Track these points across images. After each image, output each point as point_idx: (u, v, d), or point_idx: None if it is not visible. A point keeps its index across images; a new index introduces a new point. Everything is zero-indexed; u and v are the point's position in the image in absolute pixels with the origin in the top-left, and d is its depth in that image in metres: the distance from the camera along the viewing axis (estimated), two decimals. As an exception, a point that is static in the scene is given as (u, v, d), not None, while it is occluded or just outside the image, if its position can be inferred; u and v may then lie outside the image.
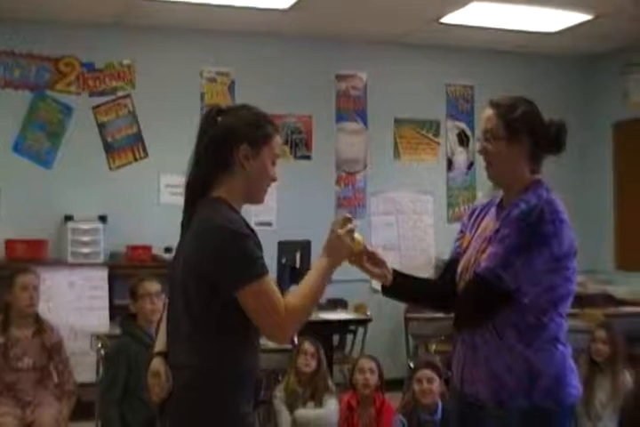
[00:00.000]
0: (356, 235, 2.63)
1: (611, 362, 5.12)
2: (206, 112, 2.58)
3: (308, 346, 5.15)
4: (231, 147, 2.49)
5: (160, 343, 2.62)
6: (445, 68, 8.48)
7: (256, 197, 2.60)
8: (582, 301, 7.30)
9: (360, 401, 5.02)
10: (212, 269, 2.37)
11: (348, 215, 2.58)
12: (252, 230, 2.46)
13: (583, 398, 5.01)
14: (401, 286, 2.84)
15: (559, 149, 2.73)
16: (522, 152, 2.68)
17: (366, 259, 2.76)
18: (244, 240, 2.39)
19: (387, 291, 2.85)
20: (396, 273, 2.83)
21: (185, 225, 2.55)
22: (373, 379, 5.01)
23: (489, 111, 2.72)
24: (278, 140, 2.59)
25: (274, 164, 2.58)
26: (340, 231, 2.52)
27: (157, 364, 2.56)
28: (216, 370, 2.41)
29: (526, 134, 2.67)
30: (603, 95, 8.74)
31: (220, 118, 2.54)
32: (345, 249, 2.54)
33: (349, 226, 2.54)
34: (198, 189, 2.52)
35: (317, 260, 2.52)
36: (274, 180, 2.60)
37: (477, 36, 7.88)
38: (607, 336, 5.16)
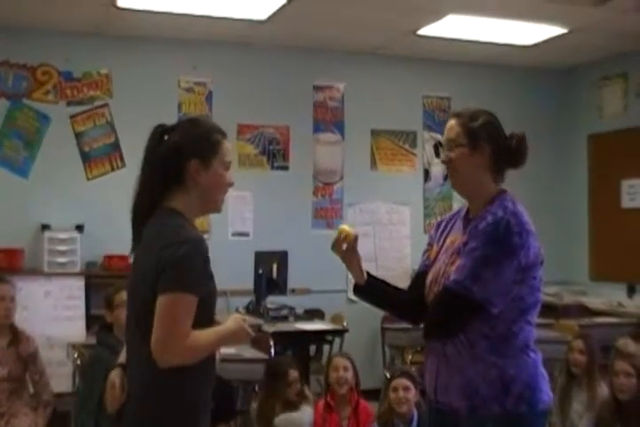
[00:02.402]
0: (345, 226, 2.80)
1: (587, 373, 5.15)
2: (152, 131, 2.60)
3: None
4: (180, 164, 2.51)
5: (123, 355, 2.64)
6: (422, 79, 8.53)
7: (213, 207, 2.62)
8: (557, 311, 7.37)
9: (337, 401, 5.03)
10: (155, 275, 2.37)
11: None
12: (206, 246, 2.47)
13: (559, 407, 5.05)
14: (374, 288, 2.91)
15: (520, 161, 2.77)
16: (483, 160, 2.74)
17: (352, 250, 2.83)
18: (193, 256, 2.39)
19: (359, 290, 2.90)
20: (369, 275, 2.91)
21: (135, 240, 2.56)
22: (348, 376, 5.03)
23: (452, 121, 2.80)
24: (227, 146, 2.59)
25: (227, 170, 2.59)
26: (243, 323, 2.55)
27: (114, 376, 2.59)
28: (166, 382, 2.40)
29: (487, 143, 2.73)
30: (577, 108, 8.82)
31: (166, 137, 2.56)
32: (242, 338, 2.57)
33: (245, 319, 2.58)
34: (147, 206, 2.53)
35: (225, 325, 2.52)
36: (230, 185, 2.61)
37: (454, 49, 7.94)
38: (584, 347, 5.19)
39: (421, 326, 2.82)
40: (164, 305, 2.34)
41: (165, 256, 2.36)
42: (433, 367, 2.78)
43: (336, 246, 2.81)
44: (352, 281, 2.92)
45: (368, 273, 2.90)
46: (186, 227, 2.46)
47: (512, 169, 2.79)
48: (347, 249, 2.82)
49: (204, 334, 2.41)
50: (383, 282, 2.95)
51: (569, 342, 5.36)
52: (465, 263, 2.62)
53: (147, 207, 2.53)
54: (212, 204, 2.60)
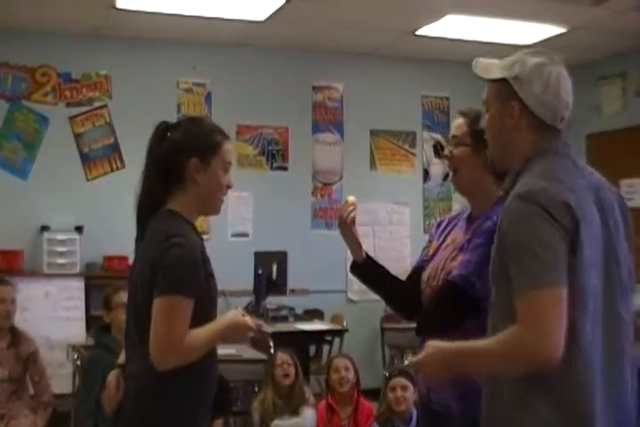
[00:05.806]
0: (350, 197, 2.90)
1: None
2: (155, 128, 2.60)
3: (282, 356, 5.15)
4: (180, 162, 2.51)
5: (123, 355, 2.65)
6: (421, 79, 8.54)
7: (212, 209, 2.63)
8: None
9: (338, 401, 5.04)
10: (153, 275, 2.37)
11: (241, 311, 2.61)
12: (203, 248, 2.48)
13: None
14: (371, 267, 2.93)
15: None
16: (485, 161, 2.73)
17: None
18: (190, 257, 2.39)
19: (357, 268, 2.93)
20: (368, 256, 2.93)
21: (138, 239, 2.57)
22: (349, 376, 5.04)
23: (459, 120, 2.84)
24: (228, 147, 2.60)
25: (226, 171, 2.59)
26: (243, 319, 2.55)
27: (111, 376, 2.60)
28: (163, 380, 2.40)
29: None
30: (576, 107, 8.65)
31: (168, 134, 2.57)
32: (242, 332, 2.58)
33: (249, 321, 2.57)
34: (150, 204, 2.54)
35: (219, 321, 2.51)
36: (229, 187, 2.61)
37: (452, 49, 7.94)
38: None
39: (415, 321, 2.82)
40: (158, 309, 2.34)
41: (161, 259, 2.37)
42: None
43: (343, 217, 2.88)
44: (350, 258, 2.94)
45: (367, 254, 2.92)
46: (183, 229, 2.46)
47: None
48: (350, 220, 2.87)
49: (199, 333, 2.40)
50: (381, 266, 2.96)
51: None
52: (469, 259, 2.64)
53: (150, 205, 2.54)
54: (211, 205, 2.60)
